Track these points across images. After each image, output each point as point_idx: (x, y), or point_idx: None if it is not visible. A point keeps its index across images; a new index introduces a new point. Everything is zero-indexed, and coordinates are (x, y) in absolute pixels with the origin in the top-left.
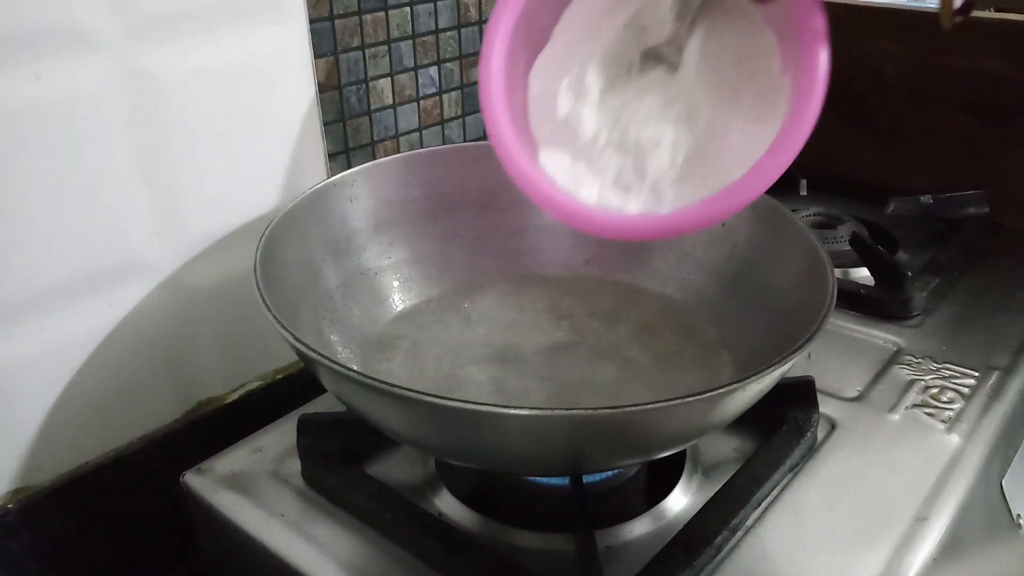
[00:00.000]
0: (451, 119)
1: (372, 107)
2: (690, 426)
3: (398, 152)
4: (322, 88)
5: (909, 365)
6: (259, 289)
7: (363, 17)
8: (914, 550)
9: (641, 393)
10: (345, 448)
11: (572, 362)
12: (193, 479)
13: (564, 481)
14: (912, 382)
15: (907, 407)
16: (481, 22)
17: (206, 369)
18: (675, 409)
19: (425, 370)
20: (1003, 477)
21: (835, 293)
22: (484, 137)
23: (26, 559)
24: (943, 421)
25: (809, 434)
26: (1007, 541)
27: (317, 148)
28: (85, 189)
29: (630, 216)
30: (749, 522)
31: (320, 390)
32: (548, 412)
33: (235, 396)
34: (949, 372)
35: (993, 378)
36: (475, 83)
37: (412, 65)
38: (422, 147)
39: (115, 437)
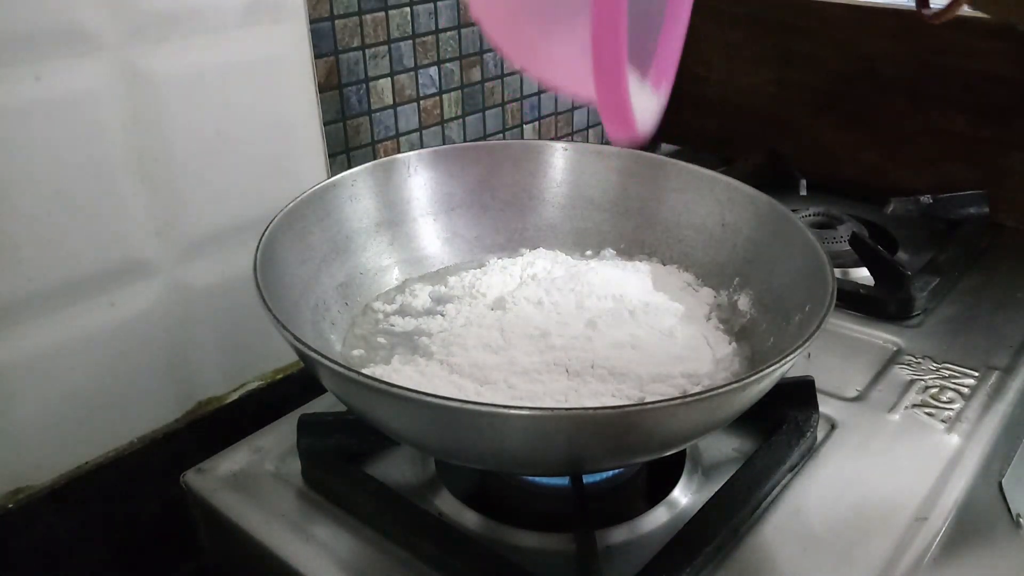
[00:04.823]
0: (451, 119)
1: (372, 107)
2: (690, 426)
3: (398, 152)
4: (322, 88)
5: (909, 365)
6: (259, 289)
7: (363, 17)
8: (914, 550)
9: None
10: (345, 448)
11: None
12: (193, 479)
13: (564, 481)
14: (912, 382)
15: (907, 407)
16: None
17: (206, 369)
18: (675, 409)
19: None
20: (1003, 477)
21: (835, 293)
22: (484, 137)
23: (25, 559)
24: (943, 421)
25: (809, 434)
26: (1007, 541)
27: (317, 148)
28: (85, 189)
29: None
30: (749, 522)
31: (320, 390)
32: (548, 412)
33: (235, 396)
34: (949, 372)
35: (993, 378)
36: (475, 83)
37: (412, 65)
38: (422, 147)
39: (115, 437)
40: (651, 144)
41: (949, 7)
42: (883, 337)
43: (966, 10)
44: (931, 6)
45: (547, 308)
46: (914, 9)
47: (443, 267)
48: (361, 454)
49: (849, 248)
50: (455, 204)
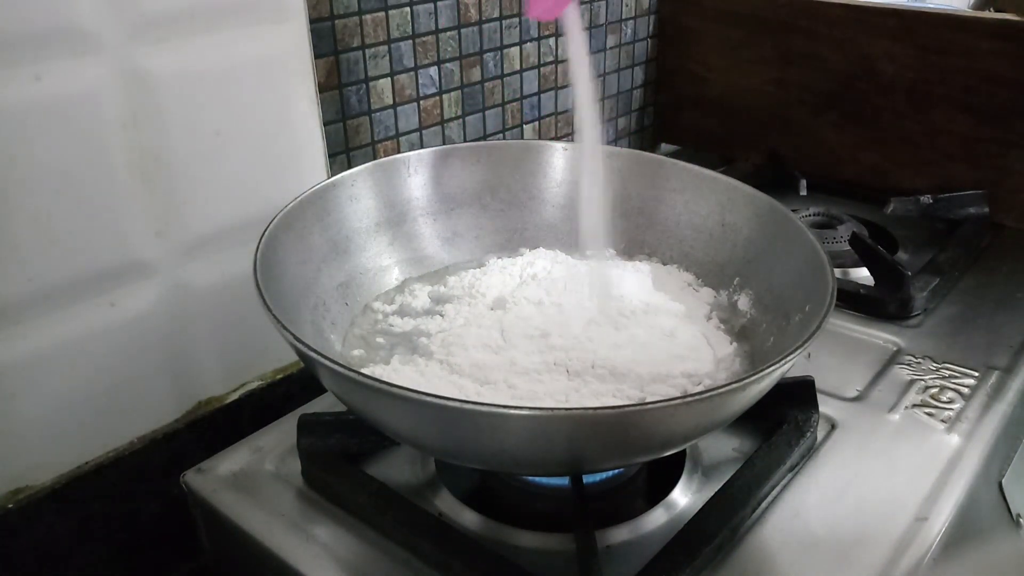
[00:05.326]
0: (451, 119)
1: (372, 107)
2: (690, 426)
3: (398, 152)
4: (322, 88)
5: (909, 365)
6: (259, 289)
7: (363, 17)
8: (914, 550)
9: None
10: (345, 448)
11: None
12: (193, 479)
13: (564, 481)
14: (912, 382)
15: (907, 407)
16: (481, 22)
17: (206, 369)
18: (675, 409)
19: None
20: (1003, 477)
21: (835, 293)
22: (484, 137)
23: (25, 559)
24: (943, 421)
25: (809, 434)
26: (1007, 540)
27: (317, 148)
28: (85, 189)
29: None
30: (749, 522)
31: (320, 390)
32: (548, 412)
33: (235, 396)
34: (949, 372)
35: (993, 378)
36: (475, 83)
37: (412, 65)
38: (422, 147)
39: (115, 437)
40: (651, 144)
41: None
42: (883, 337)
43: (966, 10)
44: None
45: (547, 308)
46: (916, 9)
47: (443, 267)
48: (361, 454)
49: (849, 248)
50: (455, 204)
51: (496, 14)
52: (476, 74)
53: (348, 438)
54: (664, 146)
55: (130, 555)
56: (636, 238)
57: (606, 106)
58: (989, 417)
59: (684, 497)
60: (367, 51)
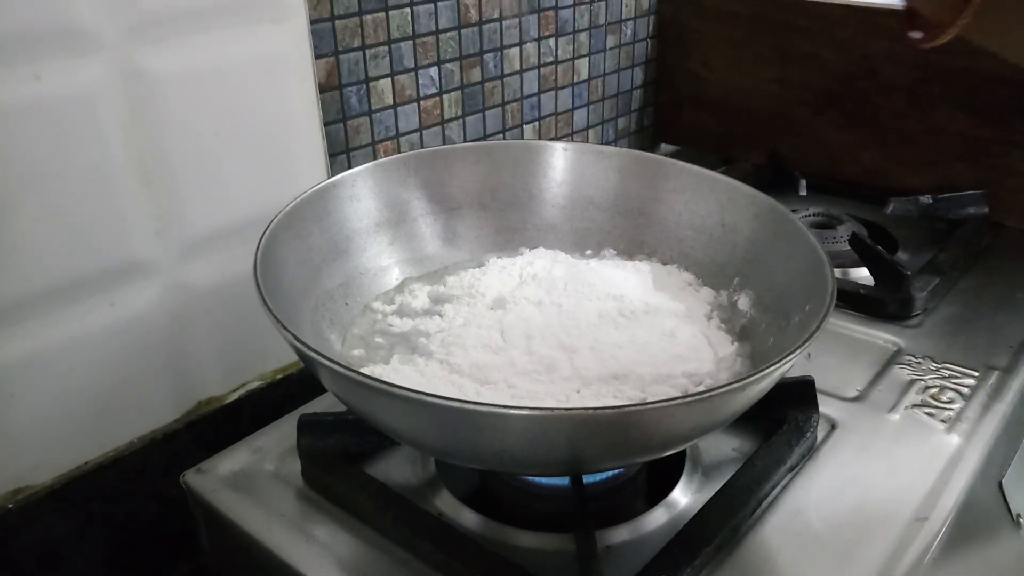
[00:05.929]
0: (451, 119)
1: (372, 107)
2: (690, 426)
3: (398, 152)
4: (322, 88)
5: (909, 365)
6: (259, 289)
7: (363, 18)
8: (914, 550)
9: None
10: (345, 448)
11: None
12: (193, 479)
13: (564, 481)
14: (912, 382)
15: (907, 407)
16: (481, 22)
17: (206, 369)
18: (675, 409)
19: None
20: (1003, 477)
21: (835, 293)
22: (484, 137)
23: (25, 559)
24: (943, 421)
25: (809, 434)
26: (1007, 540)
27: (317, 148)
28: (85, 189)
29: None
30: (749, 522)
31: (320, 390)
32: (548, 412)
33: (235, 396)
34: (949, 372)
35: (993, 378)
36: (475, 83)
37: (412, 65)
38: (422, 147)
39: (115, 437)
40: (651, 144)
41: (938, 33)
42: (883, 337)
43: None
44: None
45: (547, 308)
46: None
47: (442, 267)
48: (361, 454)
49: (849, 248)
50: (455, 204)
51: (496, 15)
52: (476, 74)
53: (348, 438)
54: (664, 146)
55: (130, 555)
56: (636, 238)
57: (606, 106)
58: (989, 417)
59: (684, 497)
60: (367, 51)
